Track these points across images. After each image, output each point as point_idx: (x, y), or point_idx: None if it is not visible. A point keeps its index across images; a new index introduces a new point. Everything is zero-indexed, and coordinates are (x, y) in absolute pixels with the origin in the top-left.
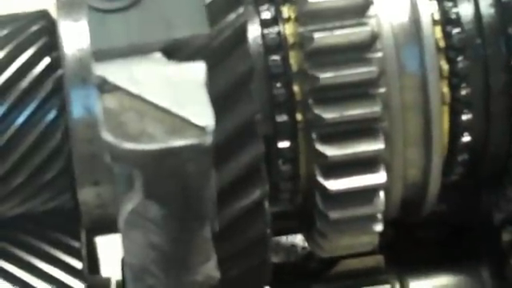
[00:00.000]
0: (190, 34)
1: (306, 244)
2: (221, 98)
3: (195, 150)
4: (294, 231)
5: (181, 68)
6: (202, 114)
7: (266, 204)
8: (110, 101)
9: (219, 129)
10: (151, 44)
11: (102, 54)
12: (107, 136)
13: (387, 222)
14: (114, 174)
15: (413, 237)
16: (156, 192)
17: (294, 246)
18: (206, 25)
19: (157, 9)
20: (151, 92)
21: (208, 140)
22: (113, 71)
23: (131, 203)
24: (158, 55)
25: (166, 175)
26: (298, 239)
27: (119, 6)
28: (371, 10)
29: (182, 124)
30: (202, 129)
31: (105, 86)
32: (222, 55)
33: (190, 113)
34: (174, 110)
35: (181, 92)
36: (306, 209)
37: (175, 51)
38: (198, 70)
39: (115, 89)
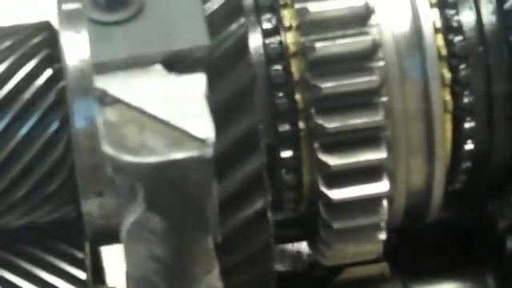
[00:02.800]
0: (191, 45)
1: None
2: (223, 108)
3: (196, 163)
4: (298, 239)
5: (181, 80)
6: (202, 127)
7: (269, 214)
8: (111, 113)
9: (221, 139)
10: (151, 56)
11: (102, 67)
12: (108, 149)
13: (391, 230)
14: (116, 185)
15: (417, 244)
16: (158, 204)
17: (299, 253)
18: (206, 36)
19: (157, 21)
20: (152, 105)
21: (208, 152)
22: (113, 84)
23: (133, 215)
24: (159, 67)
25: (167, 187)
26: (304, 246)
27: (119, 19)
28: (373, 19)
29: (182, 136)
30: (202, 141)
31: (105, 99)
32: (223, 66)
33: (191, 125)
34: (175, 122)
35: (181, 104)
36: (309, 218)
37: (176, 63)
38: (198, 82)
39: (116, 101)
